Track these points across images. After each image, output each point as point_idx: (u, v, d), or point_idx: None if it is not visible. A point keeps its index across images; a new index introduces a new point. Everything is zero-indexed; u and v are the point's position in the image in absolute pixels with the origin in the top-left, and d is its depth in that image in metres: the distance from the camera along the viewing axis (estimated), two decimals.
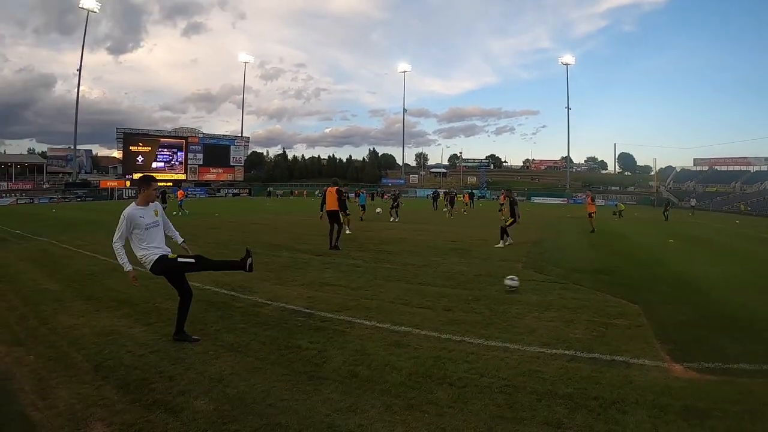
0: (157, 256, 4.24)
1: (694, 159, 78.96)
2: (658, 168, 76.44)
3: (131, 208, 4.27)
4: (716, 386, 3.55)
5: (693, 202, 47.91)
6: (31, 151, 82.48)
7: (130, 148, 65.40)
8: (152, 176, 4.90)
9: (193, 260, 4.33)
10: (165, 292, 6.30)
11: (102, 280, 7.22)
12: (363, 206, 21.94)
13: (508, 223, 12.06)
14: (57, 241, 12.18)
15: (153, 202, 4.41)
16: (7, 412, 3.05)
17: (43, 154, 73.67)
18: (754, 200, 52.81)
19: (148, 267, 4.27)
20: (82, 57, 61.40)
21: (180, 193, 28.31)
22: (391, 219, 20.75)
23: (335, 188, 11.00)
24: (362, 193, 24.55)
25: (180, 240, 4.80)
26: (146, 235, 4.25)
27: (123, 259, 4.18)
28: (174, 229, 4.73)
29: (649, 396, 3.33)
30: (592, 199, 18.45)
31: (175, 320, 4.48)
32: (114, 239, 4.21)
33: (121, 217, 4.19)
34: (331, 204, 10.80)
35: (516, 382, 3.53)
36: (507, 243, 11.88)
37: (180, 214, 23.07)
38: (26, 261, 9.27)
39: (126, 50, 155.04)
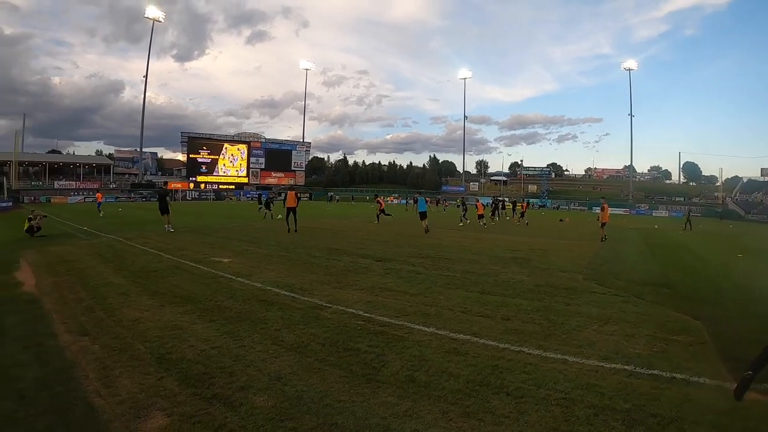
0: None
1: (762, 169, 73.66)
2: (724, 178, 72.50)
3: None
4: None
5: None
6: (98, 153, 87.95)
7: (194, 151, 68.86)
8: None
9: None
10: (227, 292, 6.60)
11: (166, 277, 7.54)
12: (423, 213, 17.41)
13: None
14: (123, 239, 12.87)
15: None
16: (71, 397, 3.25)
17: (110, 156, 77.80)
18: None
19: None
20: (149, 64, 65.37)
21: (99, 195, 28.56)
22: (460, 224, 22.31)
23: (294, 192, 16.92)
24: (420, 197, 19.11)
25: None
26: None
27: None
28: None
29: (710, 416, 3.18)
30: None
31: None
32: None
33: None
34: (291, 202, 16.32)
35: (573, 395, 3.44)
36: None
37: (102, 215, 23.77)
38: (93, 256, 9.81)
39: (191, 58, 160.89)
